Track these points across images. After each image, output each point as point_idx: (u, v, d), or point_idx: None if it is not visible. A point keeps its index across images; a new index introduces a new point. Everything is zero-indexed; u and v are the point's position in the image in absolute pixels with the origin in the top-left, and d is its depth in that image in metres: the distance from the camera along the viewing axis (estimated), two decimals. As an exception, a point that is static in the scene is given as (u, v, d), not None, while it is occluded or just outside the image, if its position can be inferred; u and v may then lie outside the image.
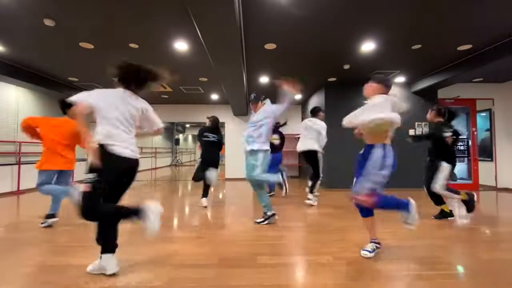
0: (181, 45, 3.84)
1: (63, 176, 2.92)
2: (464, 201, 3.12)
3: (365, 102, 2.06)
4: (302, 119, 8.01)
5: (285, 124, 5.00)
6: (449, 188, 3.10)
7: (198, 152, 4.17)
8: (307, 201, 4.11)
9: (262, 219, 3.01)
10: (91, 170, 1.59)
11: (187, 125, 14.97)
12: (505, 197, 4.91)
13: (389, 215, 2.24)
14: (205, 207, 3.91)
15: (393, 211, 2.05)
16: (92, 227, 2.82)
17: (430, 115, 3.33)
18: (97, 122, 1.66)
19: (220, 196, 4.28)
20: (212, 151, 4.01)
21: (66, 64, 4.69)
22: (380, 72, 5.07)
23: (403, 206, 1.98)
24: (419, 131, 5.65)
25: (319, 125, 4.07)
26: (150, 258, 2.02)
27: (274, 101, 3.11)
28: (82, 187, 1.61)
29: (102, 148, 1.59)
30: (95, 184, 1.57)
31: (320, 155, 4.11)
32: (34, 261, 2.01)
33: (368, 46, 3.90)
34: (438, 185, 3.06)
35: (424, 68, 4.95)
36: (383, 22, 3.23)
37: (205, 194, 3.99)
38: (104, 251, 1.72)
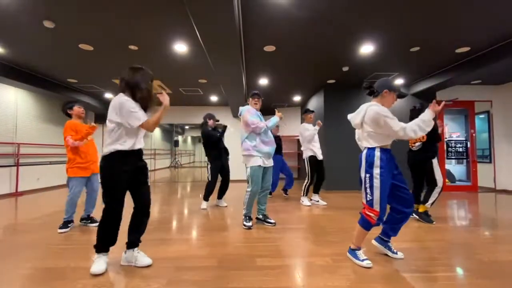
0: (180, 47, 3.85)
1: None
2: None
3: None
4: (301, 121, 8.06)
5: None
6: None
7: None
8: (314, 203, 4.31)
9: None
10: None
11: (186, 127, 14.92)
12: (504, 198, 4.92)
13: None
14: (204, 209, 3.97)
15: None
16: (89, 229, 2.81)
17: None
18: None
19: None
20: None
21: (66, 66, 4.68)
22: (379, 74, 5.09)
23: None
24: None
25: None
26: (149, 260, 2.01)
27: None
28: None
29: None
30: None
31: (306, 160, 4.23)
32: (32, 263, 2.00)
33: (367, 48, 3.91)
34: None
35: (423, 70, 4.97)
36: (382, 24, 3.24)
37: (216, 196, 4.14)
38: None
